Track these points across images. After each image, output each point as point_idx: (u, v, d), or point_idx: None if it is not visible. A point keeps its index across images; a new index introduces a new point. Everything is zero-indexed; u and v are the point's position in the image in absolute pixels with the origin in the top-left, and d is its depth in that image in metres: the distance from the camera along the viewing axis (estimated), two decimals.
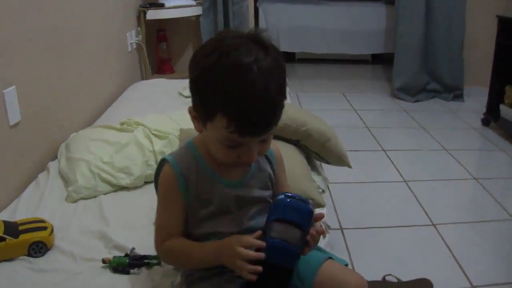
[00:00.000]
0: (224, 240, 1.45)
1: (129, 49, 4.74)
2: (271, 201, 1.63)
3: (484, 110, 5.16)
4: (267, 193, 1.63)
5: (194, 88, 1.41)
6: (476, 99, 5.78)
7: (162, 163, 1.57)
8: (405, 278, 2.62)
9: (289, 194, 1.44)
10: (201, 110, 1.40)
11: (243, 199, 1.56)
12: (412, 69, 6.00)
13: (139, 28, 5.06)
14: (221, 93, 1.31)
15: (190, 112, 1.47)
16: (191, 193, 1.52)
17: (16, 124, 2.48)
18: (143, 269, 1.82)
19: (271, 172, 1.65)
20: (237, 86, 1.30)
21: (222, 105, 1.32)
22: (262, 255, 1.37)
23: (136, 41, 4.94)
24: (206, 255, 1.48)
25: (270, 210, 1.46)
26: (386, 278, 2.62)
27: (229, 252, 1.40)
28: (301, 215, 1.41)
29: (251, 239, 1.40)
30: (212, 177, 1.53)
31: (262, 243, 1.38)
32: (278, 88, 1.36)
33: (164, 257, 1.62)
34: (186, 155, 1.55)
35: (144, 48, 5.08)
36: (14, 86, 2.45)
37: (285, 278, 1.43)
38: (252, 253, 1.37)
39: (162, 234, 1.55)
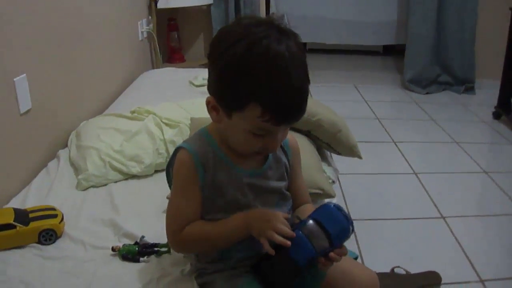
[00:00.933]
0: (252, 211, 1.48)
1: (140, 38, 4.74)
2: (286, 192, 1.64)
3: (496, 103, 5.13)
4: (282, 184, 1.62)
5: (222, 76, 1.37)
6: (488, 92, 5.74)
7: (177, 150, 1.54)
8: (413, 270, 2.61)
9: (339, 206, 1.45)
10: (229, 100, 1.37)
11: (259, 188, 1.55)
12: (424, 61, 5.98)
13: (150, 17, 5.06)
14: (255, 81, 1.30)
15: (209, 102, 1.44)
16: (208, 180, 1.50)
17: (26, 112, 2.48)
18: (153, 257, 1.82)
19: (287, 162, 1.64)
20: (271, 74, 1.30)
21: (256, 94, 1.31)
22: (293, 234, 1.39)
23: (147, 30, 4.93)
24: (231, 226, 1.47)
25: (315, 209, 1.47)
26: (395, 270, 2.62)
27: (260, 225, 1.41)
28: (337, 229, 1.41)
29: (287, 230, 1.40)
30: (228, 165, 1.51)
31: (292, 233, 1.39)
32: (305, 74, 1.38)
33: (182, 245, 1.55)
34: (202, 142, 1.53)
35: (155, 37, 5.07)
36: (24, 75, 2.45)
37: (291, 274, 1.43)
38: (287, 230, 1.39)
39: (180, 222, 1.50)
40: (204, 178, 1.49)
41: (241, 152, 1.49)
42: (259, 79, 1.30)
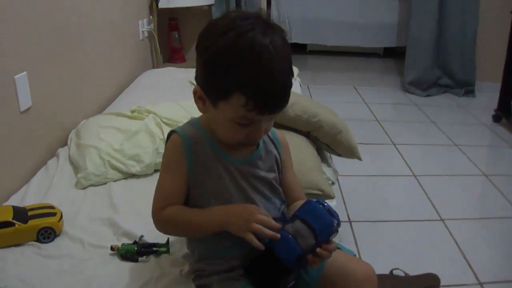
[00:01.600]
0: (233, 207, 1.50)
1: (141, 37, 4.74)
2: (276, 185, 1.64)
3: (496, 106, 5.14)
4: (272, 175, 1.63)
5: (208, 67, 1.41)
6: (488, 95, 5.75)
7: (169, 134, 1.59)
8: (412, 272, 2.62)
9: (321, 201, 1.45)
10: (215, 89, 1.41)
11: (249, 175, 1.57)
12: (424, 64, 5.98)
13: (151, 17, 5.06)
14: (240, 72, 1.33)
15: (195, 93, 1.48)
16: (197, 165, 1.52)
17: (26, 110, 2.48)
18: (152, 257, 1.82)
19: (277, 155, 1.67)
20: (256, 65, 1.33)
21: (240, 84, 1.34)
22: (278, 226, 1.41)
23: (148, 30, 4.93)
24: (211, 219, 1.50)
25: (299, 207, 1.47)
26: (394, 272, 2.62)
27: (239, 222, 1.44)
28: (322, 225, 1.41)
29: (268, 219, 1.42)
30: (218, 152, 1.54)
31: (278, 225, 1.42)
32: (289, 66, 1.42)
33: (162, 224, 1.58)
34: (193, 129, 1.56)
35: (156, 37, 5.07)
36: (25, 72, 2.45)
37: (280, 274, 1.43)
38: (272, 222, 1.42)
39: (163, 201, 1.54)
40: (191, 162, 1.52)
41: (226, 143, 1.52)
42: (244, 70, 1.33)
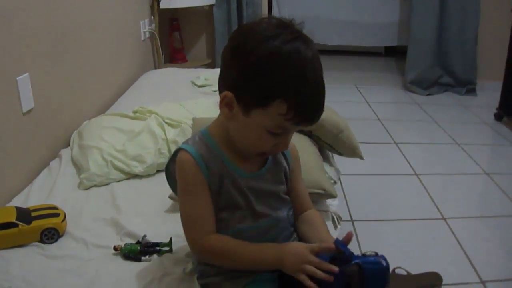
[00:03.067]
0: (287, 246, 1.47)
1: (142, 38, 4.75)
2: (284, 196, 1.64)
3: (497, 105, 5.13)
4: (280, 188, 1.62)
5: (250, 71, 1.36)
6: (489, 94, 5.75)
7: (177, 153, 1.53)
8: (414, 271, 2.61)
9: (388, 267, 1.47)
10: (254, 95, 1.36)
11: (258, 191, 1.55)
12: (425, 62, 5.98)
13: (152, 17, 5.07)
14: (286, 79, 1.32)
15: (224, 97, 1.42)
16: (213, 180, 1.49)
17: (29, 111, 2.49)
18: (154, 257, 1.82)
19: (286, 166, 1.65)
20: (302, 74, 1.33)
21: (285, 92, 1.32)
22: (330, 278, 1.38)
23: (149, 30, 4.94)
24: (264, 257, 1.48)
25: (366, 256, 1.48)
26: (396, 270, 2.62)
27: (294, 263, 1.42)
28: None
29: (321, 261, 1.40)
30: (229, 166, 1.51)
31: (332, 268, 1.39)
32: (323, 77, 1.41)
33: (207, 255, 1.53)
34: (202, 143, 1.52)
35: (157, 37, 5.08)
36: (27, 74, 2.46)
37: None
38: (320, 274, 1.38)
39: (198, 227, 1.49)
40: (209, 177, 1.48)
41: (247, 152, 1.50)
42: (290, 77, 1.32)
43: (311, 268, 1.38)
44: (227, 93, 1.41)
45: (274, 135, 1.41)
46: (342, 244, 1.45)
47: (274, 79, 1.33)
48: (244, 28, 1.45)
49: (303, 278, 1.38)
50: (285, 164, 1.64)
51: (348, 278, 1.41)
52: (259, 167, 1.58)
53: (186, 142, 1.56)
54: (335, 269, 1.38)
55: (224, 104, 1.43)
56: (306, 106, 1.36)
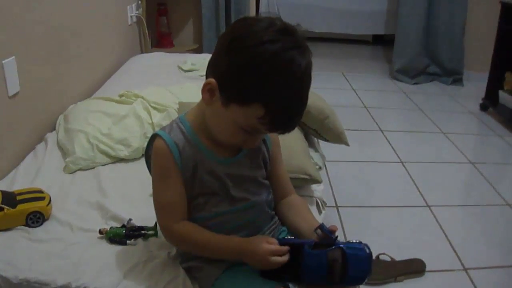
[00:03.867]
0: (246, 244, 1.50)
1: (129, 22, 4.72)
2: (263, 181, 1.65)
3: (483, 95, 5.17)
4: (259, 173, 1.64)
5: (239, 68, 1.35)
6: (476, 84, 5.78)
7: (152, 138, 1.55)
8: (398, 257, 2.64)
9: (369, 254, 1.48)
10: (237, 91, 1.37)
11: (234, 177, 1.56)
12: (413, 51, 6.00)
13: (139, 1, 5.04)
14: (270, 85, 1.32)
15: (208, 83, 1.42)
16: (187, 168, 1.51)
17: (15, 95, 2.47)
18: (140, 240, 1.83)
19: (265, 151, 1.65)
20: (287, 84, 1.34)
21: (267, 97, 1.33)
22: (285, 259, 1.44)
23: (136, 15, 4.92)
24: (227, 251, 1.52)
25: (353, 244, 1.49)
26: (380, 257, 2.64)
27: (256, 262, 1.47)
28: (355, 276, 1.46)
29: (278, 248, 1.45)
30: (204, 153, 1.52)
31: (285, 248, 1.45)
32: (308, 91, 1.42)
33: (177, 240, 1.59)
34: (178, 129, 1.54)
35: (144, 22, 5.06)
36: (13, 57, 2.44)
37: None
38: (279, 260, 1.44)
39: (170, 213, 1.53)
40: (182, 164, 1.50)
41: (220, 141, 1.51)
42: (276, 85, 1.33)
43: (276, 262, 1.44)
44: (212, 80, 1.42)
45: (245, 132, 1.42)
46: (326, 229, 1.47)
47: (259, 83, 1.33)
48: (247, 23, 1.42)
49: (273, 266, 1.45)
50: (264, 149, 1.65)
51: (331, 262, 1.43)
52: (236, 152, 1.59)
53: (163, 128, 1.57)
54: (285, 249, 1.44)
55: (206, 89, 1.43)
56: (283, 118, 1.37)
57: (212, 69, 1.45)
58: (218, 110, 1.43)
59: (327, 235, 1.47)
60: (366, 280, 1.47)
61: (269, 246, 1.44)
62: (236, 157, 1.58)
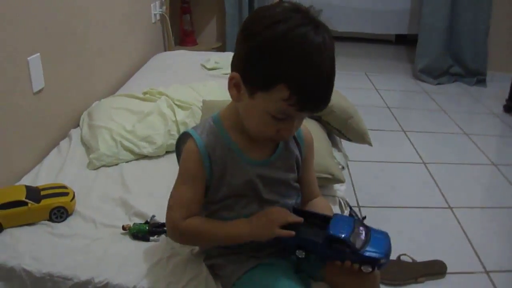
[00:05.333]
0: (254, 219, 1.50)
1: (153, 20, 4.74)
2: (294, 184, 1.64)
3: (507, 96, 5.12)
4: (291, 176, 1.62)
5: (255, 53, 1.35)
6: (499, 85, 5.73)
7: (184, 136, 1.55)
8: (419, 258, 2.63)
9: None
10: (258, 78, 1.36)
11: (266, 179, 1.55)
12: (436, 51, 5.96)
13: (163, 0, 5.06)
14: (289, 64, 1.30)
15: (232, 79, 1.42)
16: (215, 171, 1.50)
17: (39, 91, 2.50)
18: (163, 237, 1.84)
19: (298, 155, 1.64)
20: (306, 60, 1.31)
21: (288, 77, 1.31)
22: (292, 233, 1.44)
23: (160, 12, 4.94)
24: (237, 233, 1.51)
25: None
26: (401, 257, 2.64)
27: (265, 232, 1.48)
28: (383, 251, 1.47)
29: (286, 217, 1.46)
30: (236, 154, 1.51)
31: (298, 219, 1.46)
32: (334, 67, 1.39)
33: (183, 235, 1.56)
34: (211, 130, 1.52)
35: (168, 20, 5.07)
36: (38, 54, 2.47)
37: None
38: (289, 233, 1.45)
39: (182, 211, 1.52)
40: (210, 170, 1.50)
41: (254, 136, 1.49)
42: (294, 62, 1.30)
43: (282, 233, 1.45)
44: (234, 74, 1.41)
45: (278, 120, 1.39)
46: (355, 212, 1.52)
47: (277, 63, 1.31)
48: (258, 11, 1.43)
49: (278, 232, 1.46)
50: (297, 152, 1.63)
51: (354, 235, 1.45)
52: (270, 154, 1.57)
53: (195, 128, 1.57)
54: (298, 219, 1.47)
55: (232, 85, 1.43)
56: (309, 94, 1.34)
57: (233, 64, 1.45)
58: (247, 104, 1.42)
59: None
60: (381, 267, 1.46)
61: (276, 208, 1.49)
62: (270, 159, 1.57)
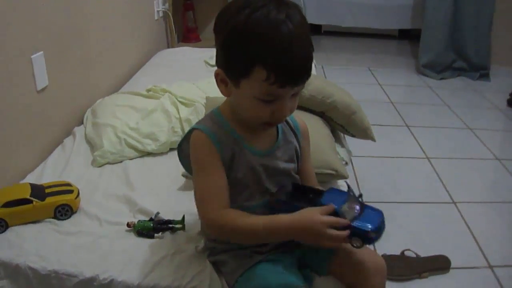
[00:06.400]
0: (298, 222, 1.43)
1: (156, 17, 4.75)
2: (294, 175, 1.65)
3: (511, 90, 5.11)
4: (291, 166, 1.63)
5: (226, 45, 1.40)
6: (503, 80, 5.72)
7: (190, 132, 1.55)
8: (423, 254, 2.63)
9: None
10: (235, 67, 1.39)
11: (269, 169, 1.56)
12: (439, 46, 5.95)
13: None
14: (259, 45, 1.33)
15: (217, 75, 1.46)
16: (226, 157, 1.50)
17: (43, 89, 2.51)
18: (167, 234, 1.85)
19: (297, 144, 1.66)
20: (274, 38, 1.33)
21: (260, 57, 1.33)
22: (346, 233, 1.41)
23: (163, 9, 4.94)
24: (276, 232, 1.46)
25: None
26: (405, 253, 2.64)
27: (310, 238, 1.43)
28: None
29: (336, 220, 1.41)
30: (240, 144, 1.52)
31: (345, 221, 1.41)
32: (308, 38, 1.40)
33: (219, 229, 1.50)
34: (213, 122, 1.54)
35: (171, 16, 5.07)
36: (42, 52, 2.47)
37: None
38: (342, 233, 1.40)
39: (215, 201, 1.48)
40: (222, 154, 1.49)
41: (252, 124, 1.51)
42: (263, 41, 1.33)
43: (336, 234, 1.39)
44: (217, 70, 1.46)
45: (268, 103, 1.41)
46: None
47: (247, 47, 1.35)
48: (223, 7, 1.46)
49: (328, 244, 1.43)
50: (295, 142, 1.66)
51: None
52: (271, 145, 1.59)
53: (199, 122, 1.59)
54: (345, 221, 1.41)
55: (219, 81, 1.47)
56: (286, 67, 1.35)
57: (216, 61, 1.49)
58: (236, 94, 1.45)
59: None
60: (371, 241, 1.45)
61: (325, 218, 1.40)
62: (271, 150, 1.58)
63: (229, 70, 1.43)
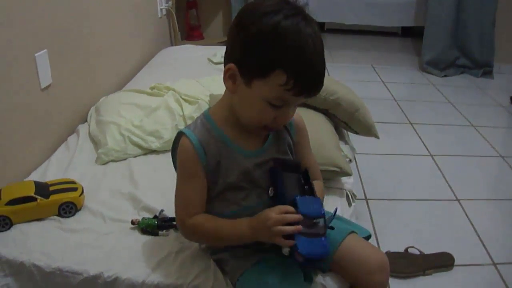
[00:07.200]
0: (253, 221, 1.49)
1: (159, 15, 4.75)
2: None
3: None
4: (286, 157, 1.65)
5: (251, 43, 1.40)
6: (506, 77, 5.72)
7: (178, 136, 1.58)
8: (427, 251, 2.63)
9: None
10: (254, 66, 1.40)
11: (262, 166, 1.57)
12: (442, 43, 5.94)
13: None
14: (285, 50, 1.35)
15: (228, 69, 1.46)
16: (211, 165, 1.53)
17: (47, 87, 2.51)
18: (172, 231, 1.85)
19: (289, 139, 1.67)
20: (301, 46, 1.36)
21: (285, 62, 1.35)
22: (293, 229, 1.41)
23: (166, 7, 4.94)
24: (239, 232, 1.51)
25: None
26: (409, 250, 2.64)
27: (264, 233, 1.45)
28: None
29: (283, 217, 1.42)
30: (230, 147, 1.54)
31: (296, 217, 1.42)
32: (324, 56, 1.44)
33: (190, 233, 1.61)
34: (203, 126, 1.56)
35: (174, 14, 5.08)
36: (45, 50, 2.48)
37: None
38: (288, 229, 1.41)
39: (187, 209, 1.56)
40: (207, 162, 1.52)
41: (248, 126, 1.53)
42: (290, 48, 1.35)
43: (279, 229, 1.41)
44: (231, 65, 1.45)
45: (275, 107, 1.43)
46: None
47: (273, 49, 1.36)
48: (249, 5, 1.47)
49: (278, 240, 1.43)
50: (288, 138, 1.66)
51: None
52: (261, 144, 1.61)
53: (188, 126, 1.61)
54: (297, 217, 1.42)
55: (228, 76, 1.47)
56: (305, 76, 1.38)
57: (228, 56, 1.49)
58: (244, 93, 1.46)
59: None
60: (302, 263, 1.45)
61: (276, 215, 1.43)
62: (262, 149, 1.59)
63: (245, 67, 1.43)
